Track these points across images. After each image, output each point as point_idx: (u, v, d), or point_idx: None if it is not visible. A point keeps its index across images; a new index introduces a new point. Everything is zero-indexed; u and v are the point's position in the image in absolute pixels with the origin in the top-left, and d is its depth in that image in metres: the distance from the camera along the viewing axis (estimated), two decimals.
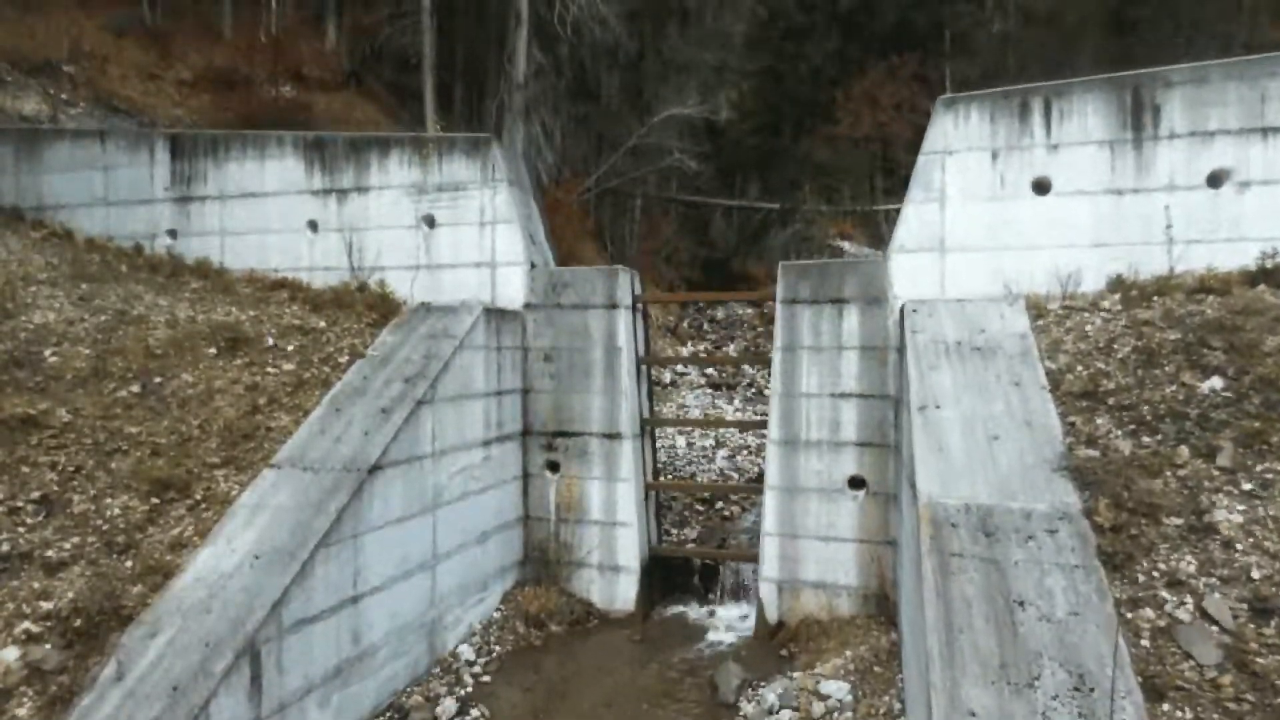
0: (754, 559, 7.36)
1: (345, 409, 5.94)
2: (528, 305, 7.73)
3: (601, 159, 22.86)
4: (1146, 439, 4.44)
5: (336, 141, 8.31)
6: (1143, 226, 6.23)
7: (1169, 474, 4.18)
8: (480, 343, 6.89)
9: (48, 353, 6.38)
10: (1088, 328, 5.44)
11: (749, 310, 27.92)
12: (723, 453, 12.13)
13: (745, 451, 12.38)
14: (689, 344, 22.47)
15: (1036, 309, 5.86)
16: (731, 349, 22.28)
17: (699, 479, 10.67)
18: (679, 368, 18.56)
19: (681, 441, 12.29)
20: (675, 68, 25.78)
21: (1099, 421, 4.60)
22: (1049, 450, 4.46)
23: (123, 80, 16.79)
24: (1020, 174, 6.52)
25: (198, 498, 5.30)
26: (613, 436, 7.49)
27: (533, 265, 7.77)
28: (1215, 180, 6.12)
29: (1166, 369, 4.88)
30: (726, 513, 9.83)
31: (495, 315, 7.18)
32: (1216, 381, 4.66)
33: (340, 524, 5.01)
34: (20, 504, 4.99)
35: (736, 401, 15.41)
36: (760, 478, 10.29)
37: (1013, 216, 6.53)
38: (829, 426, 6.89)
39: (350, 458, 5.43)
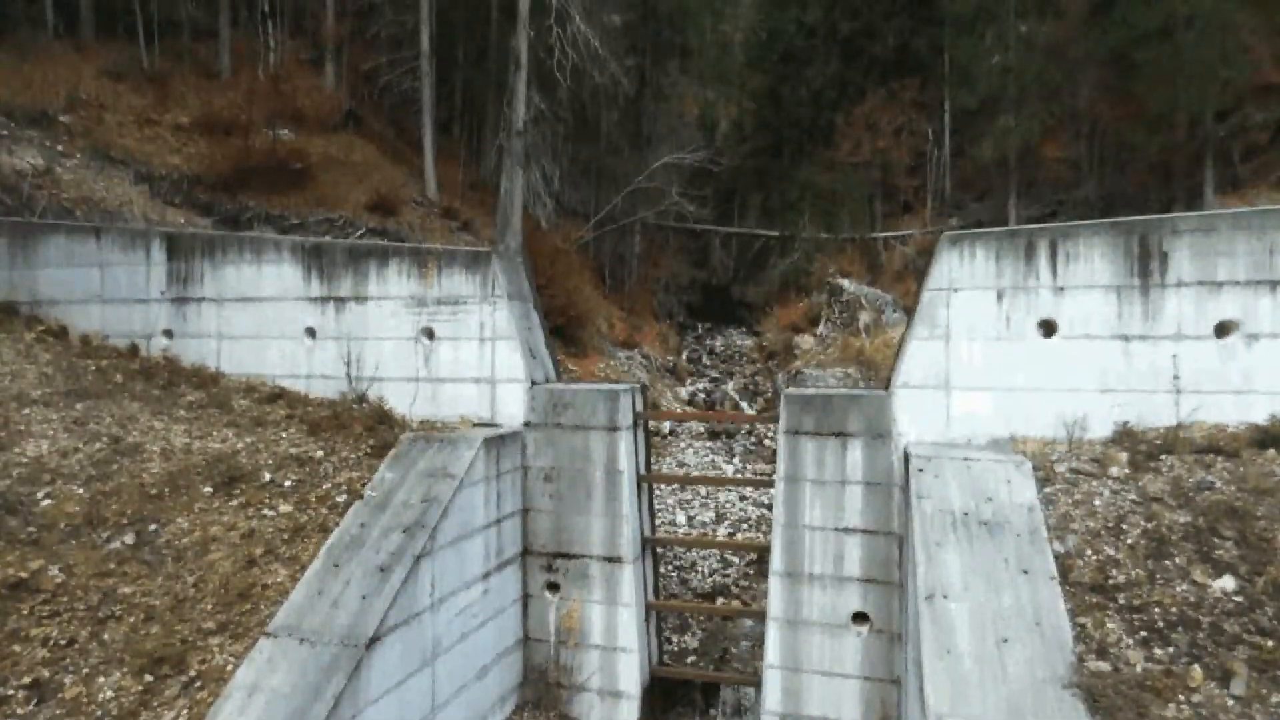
0: (755, 684, 7.29)
1: (343, 565, 5.85)
2: (528, 424, 7.65)
3: (600, 197, 22.80)
4: (1159, 651, 4.37)
5: (335, 249, 8.22)
6: (1150, 374, 6.17)
7: (1182, 699, 4.11)
8: (480, 475, 6.80)
9: (40, 495, 6.28)
10: (1096, 500, 5.36)
11: (747, 342, 27.81)
12: (723, 528, 12.08)
13: (745, 525, 12.33)
14: (689, 381, 22.46)
15: (1044, 470, 5.79)
16: (730, 386, 22.27)
17: (699, 567, 10.62)
18: (677, 412, 18.52)
19: (682, 517, 12.23)
20: (675, 100, 25.74)
21: (1109, 626, 4.53)
22: (1059, 660, 4.39)
23: (120, 128, 16.62)
24: (1026, 315, 6.46)
25: (192, 674, 5.21)
26: (613, 560, 7.41)
27: (533, 382, 7.69)
28: (1223, 331, 6.05)
29: (1177, 560, 4.82)
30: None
31: (495, 443, 7.09)
32: (1229, 582, 4.60)
33: (338, 710, 4.93)
34: (11, 691, 4.90)
35: (736, 461, 15.38)
36: (762, 557, 10.24)
37: (1018, 357, 6.46)
38: (833, 561, 6.82)
39: (348, 629, 5.34)
